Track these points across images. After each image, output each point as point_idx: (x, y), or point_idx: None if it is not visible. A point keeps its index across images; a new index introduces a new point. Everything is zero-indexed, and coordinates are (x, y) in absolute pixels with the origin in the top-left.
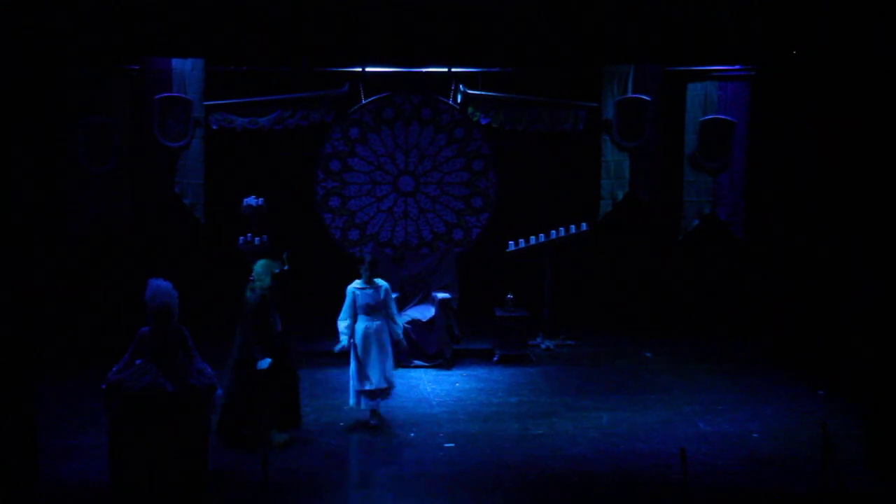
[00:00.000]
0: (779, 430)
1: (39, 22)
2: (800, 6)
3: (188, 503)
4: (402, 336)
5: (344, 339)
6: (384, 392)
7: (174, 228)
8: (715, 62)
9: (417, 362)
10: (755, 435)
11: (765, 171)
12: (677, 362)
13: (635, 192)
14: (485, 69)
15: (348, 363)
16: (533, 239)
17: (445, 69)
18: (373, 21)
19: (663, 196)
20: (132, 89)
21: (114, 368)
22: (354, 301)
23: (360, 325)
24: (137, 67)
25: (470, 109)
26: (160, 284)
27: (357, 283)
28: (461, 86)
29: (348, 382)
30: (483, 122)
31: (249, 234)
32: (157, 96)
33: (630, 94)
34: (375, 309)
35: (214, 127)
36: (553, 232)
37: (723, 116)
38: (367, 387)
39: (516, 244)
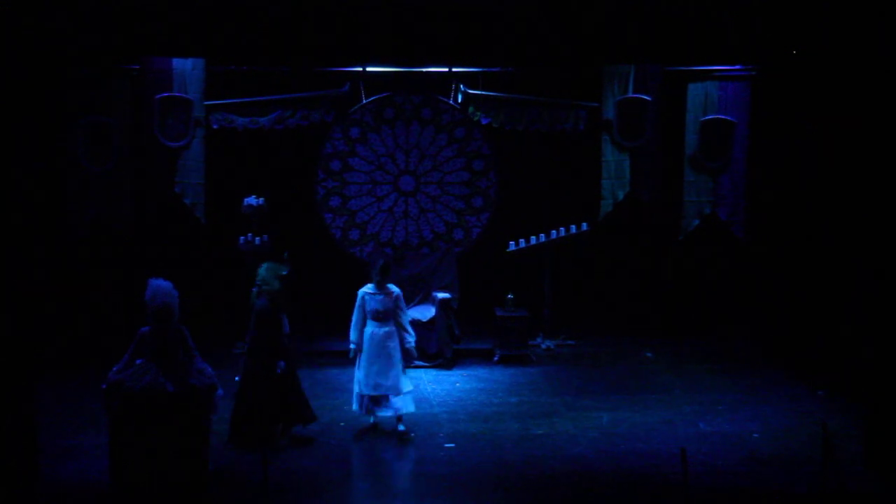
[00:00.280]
0: (779, 430)
1: (39, 22)
2: (800, 6)
3: (188, 503)
4: (412, 345)
5: (352, 347)
6: (396, 398)
7: (174, 228)
8: (715, 62)
9: (418, 362)
10: (755, 435)
11: (765, 172)
12: (678, 362)
13: (636, 192)
14: (485, 69)
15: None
16: (533, 239)
17: (446, 69)
18: (373, 21)
19: (664, 196)
20: (132, 89)
21: (114, 368)
22: (364, 305)
23: (368, 329)
24: (138, 67)
25: (470, 109)
26: (160, 284)
27: (368, 288)
28: (462, 86)
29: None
30: (483, 121)
31: (250, 234)
32: (157, 96)
33: (630, 94)
34: (384, 315)
35: (215, 127)
36: (553, 232)
37: (723, 116)
38: (366, 391)
39: (517, 244)
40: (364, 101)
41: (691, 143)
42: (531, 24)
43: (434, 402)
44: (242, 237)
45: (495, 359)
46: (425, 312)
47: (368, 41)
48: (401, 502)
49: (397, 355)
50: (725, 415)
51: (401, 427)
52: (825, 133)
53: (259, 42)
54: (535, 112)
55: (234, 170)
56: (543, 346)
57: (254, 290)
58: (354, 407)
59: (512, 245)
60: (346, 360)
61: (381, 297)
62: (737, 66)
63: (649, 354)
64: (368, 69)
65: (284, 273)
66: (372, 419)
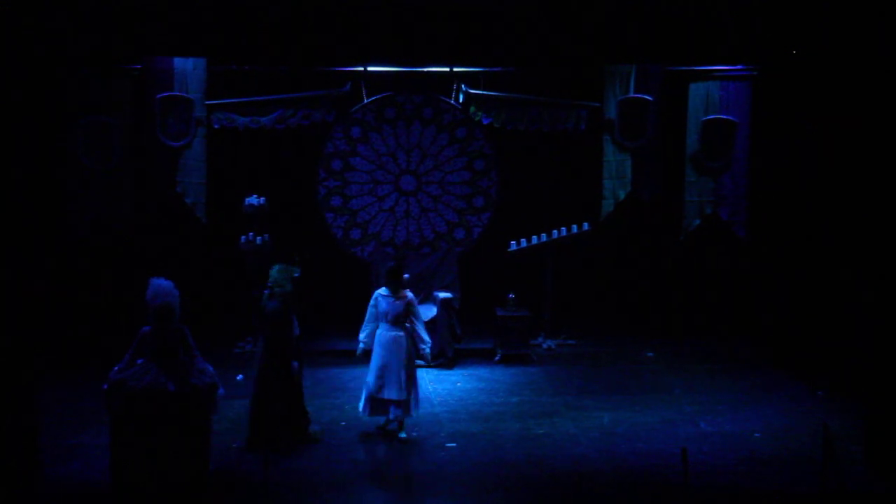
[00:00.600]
0: (779, 429)
1: (39, 22)
2: (800, 6)
3: (189, 503)
4: (426, 352)
5: (360, 346)
6: (399, 404)
7: (175, 228)
8: (716, 62)
9: (419, 362)
10: (757, 434)
11: (766, 171)
12: (678, 362)
13: (637, 192)
14: (487, 69)
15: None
16: (535, 238)
17: (447, 69)
18: (374, 21)
19: (665, 196)
20: (133, 89)
21: (115, 368)
22: (377, 305)
23: (380, 331)
24: (139, 67)
25: (472, 109)
26: (161, 284)
27: (383, 290)
28: (463, 85)
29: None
30: (485, 121)
31: (251, 234)
32: (158, 95)
33: (632, 94)
34: (395, 319)
35: (216, 126)
36: (555, 231)
37: (724, 116)
38: (373, 393)
39: (518, 244)
40: (365, 101)
41: (692, 143)
42: (532, 23)
43: (435, 402)
44: (243, 237)
45: (496, 358)
46: (427, 312)
47: (369, 41)
48: (402, 502)
49: (403, 361)
50: (726, 415)
51: (402, 434)
52: (825, 133)
53: (260, 42)
54: (536, 112)
55: (235, 169)
56: (544, 346)
57: (266, 291)
58: (360, 407)
59: (513, 245)
60: (347, 359)
61: (391, 299)
62: (738, 66)
63: (650, 354)
64: (370, 69)
65: (296, 275)
66: (380, 420)
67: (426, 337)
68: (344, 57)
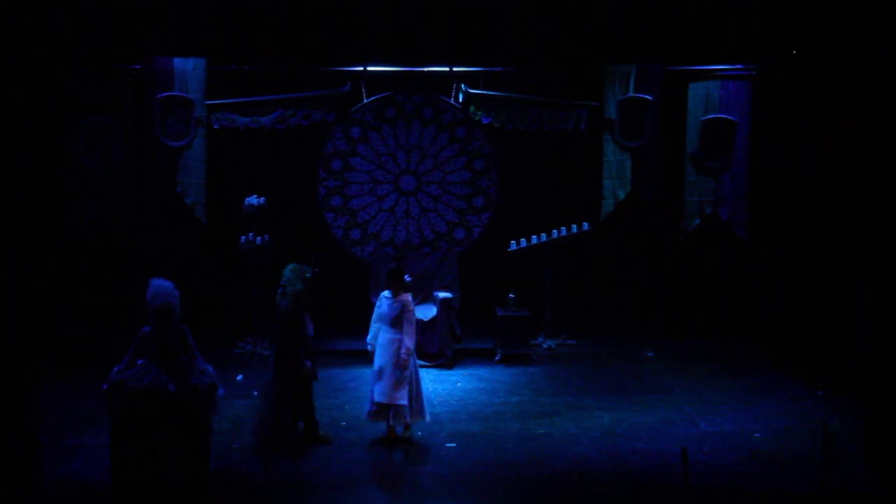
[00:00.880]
0: (779, 429)
1: (39, 22)
2: (800, 6)
3: (189, 503)
4: (402, 356)
5: (369, 348)
6: (397, 410)
7: (175, 228)
8: (716, 62)
9: (419, 362)
10: (757, 434)
11: (766, 171)
12: (679, 362)
13: (637, 192)
14: (486, 69)
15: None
16: (535, 238)
17: (447, 69)
18: (374, 21)
19: (665, 196)
20: (133, 89)
21: (115, 368)
22: (380, 307)
23: (381, 333)
24: (139, 67)
25: (471, 109)
26: (161, 284)
27: (387, 292)
28: (463, 85)
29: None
30: (485, 121)
31: (251, 234)
32: (158, 95)
33: (632, 94)
34: (392, 321)
35: (216, 126)
36: (555, 231)
37: (724, 116)
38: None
39: (518, 244)
40: (365, 101)
41: (692, 143)
42: (532, 23)
43: (435, 402)
44: (243, 237)
45: (496, 358)
46: (427, 312)
47: (369, 41)
48: (402, 502)
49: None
50: (726, 415)
51: (399, 430)
52: (825, 133)
53: (260, 42)
54: (536, 112)
55: (235, 169)
56: (545, 346)
57: (279, 290)
58: (366, 408)
59: (513, 245)
60: (347, 359)
61: (389, 301)
62: (738, 66)
63: (650, 354)
64: (369, 69)
65: (309, 275)
66: (383, 426)
67: (409, 343)
68: (344, 57)
